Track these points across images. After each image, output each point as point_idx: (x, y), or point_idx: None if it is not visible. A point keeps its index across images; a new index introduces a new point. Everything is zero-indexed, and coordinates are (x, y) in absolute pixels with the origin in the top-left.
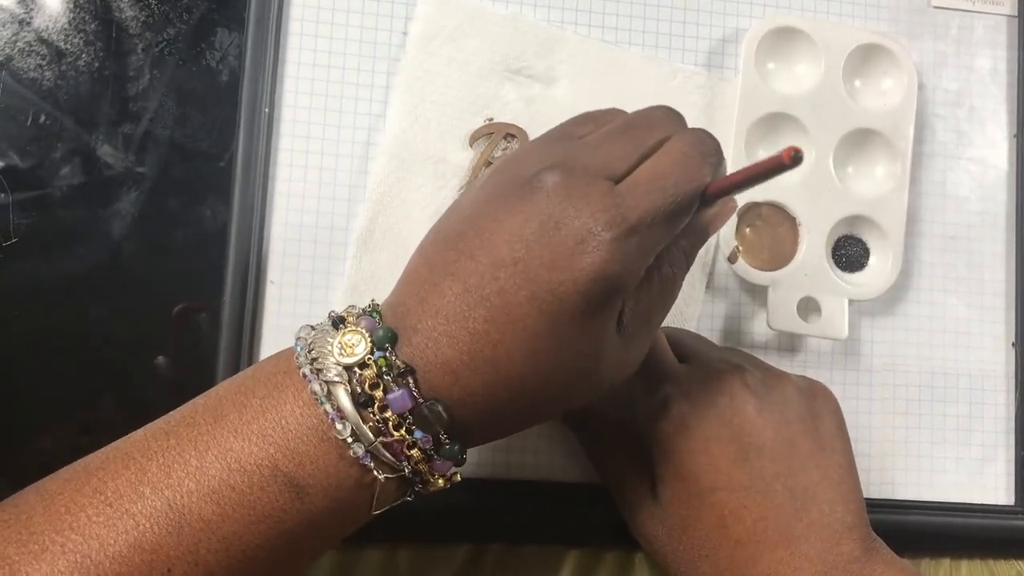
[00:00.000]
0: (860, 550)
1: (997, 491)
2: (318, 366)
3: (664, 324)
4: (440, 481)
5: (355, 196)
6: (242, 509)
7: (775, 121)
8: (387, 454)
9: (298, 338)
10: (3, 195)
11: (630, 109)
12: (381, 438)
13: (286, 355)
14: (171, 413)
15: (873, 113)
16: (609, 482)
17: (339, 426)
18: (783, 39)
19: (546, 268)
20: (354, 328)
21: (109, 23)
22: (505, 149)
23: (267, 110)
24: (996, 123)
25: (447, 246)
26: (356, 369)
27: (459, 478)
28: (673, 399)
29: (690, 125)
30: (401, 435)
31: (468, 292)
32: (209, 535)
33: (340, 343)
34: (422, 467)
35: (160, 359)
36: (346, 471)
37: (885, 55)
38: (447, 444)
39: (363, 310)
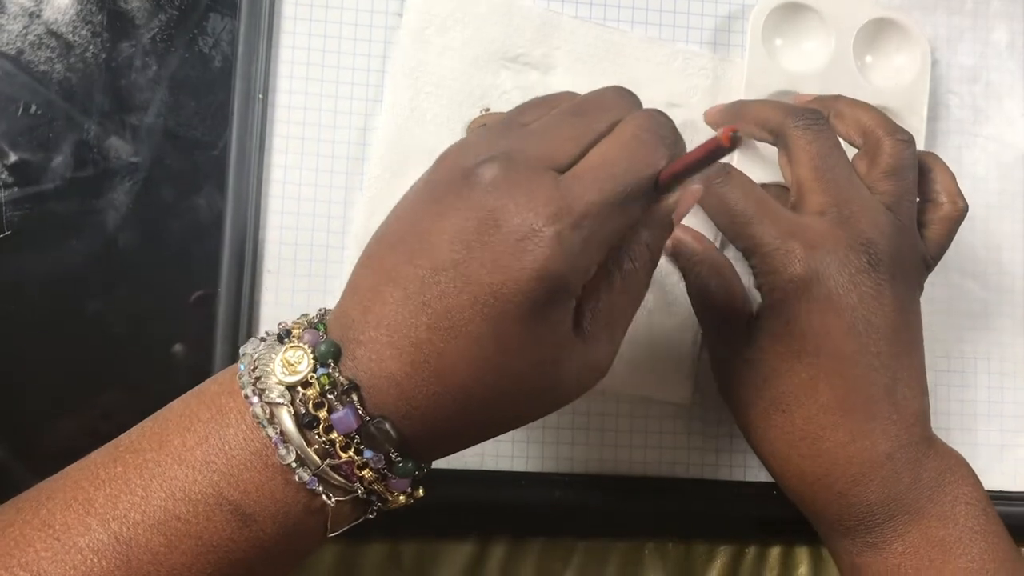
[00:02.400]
0: (927, 435)
1: (1017, 477)
2: (261, 386)
3: None
4: (401, 498)
5: (352, 183)
6: (189, 540)
7: (784, 99)
8: (337, 477)
9: (243, 354)
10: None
11: None
12: (329, 460)
13: (231, 374)
14: (122, 436)
15: (885, 90)
16: (701, 306)
17: (283, 451)
18: (791, 15)
19: (487, 269)
20: (296, 344)
21: (109, 12)
22: None
23: (261, 96)
24: (1014, 99)
25: (389, 250)
26: (299, 388)
27: (421, 492)
28: (798, 256)
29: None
30: (350, 456)
31: (409, 299)
32: (158, 568)
33: (282, 360)
34: (377, 487)
35: (177, 346)
36: (294, 496)
37: (897, 30)
38: (400, 462)
39: (309, 321)
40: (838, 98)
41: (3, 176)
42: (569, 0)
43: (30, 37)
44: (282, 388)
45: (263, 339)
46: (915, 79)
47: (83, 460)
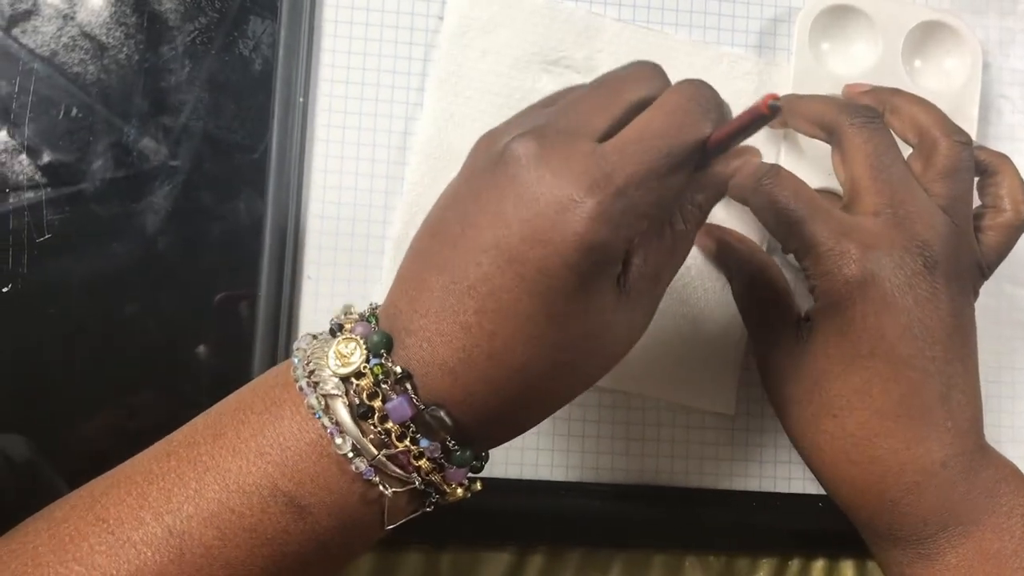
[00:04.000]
0: (980, 444)
1: None
2: (315, 378)
3: None
4: (459, 491)
5: (392, 188)
6: (244, 533)
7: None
8: (393, 467)
9: (296, 348)
10: (37, 192)
11: None
12: (385, 450)
13: (285, 368)
14: (177, 431)
15: (935, 94)
16: (748, 309)
17: (338, 440)
18: (839, 17)
19: (528, 245)
20: (349, 336)
21: (143, 14)
22: None
23: (301, 100)
24: None
25: (431, 237)
26: (353, 379)
27: (479, 486)
28: (853, 257)
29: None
30: (406, 446)
31: (454, 283)
32: (211, 561)
33: (335, 352)
34: (434, 477)
35: (200, 348)
36: (349, 487)
37: (948, 33)
38: (457, 451)
39: (361, 314)
40: (896, 92)
41: (38, 177)
42: (612, 2)
43: (64, 39)
44: (336, 380)
45: (315, 336)
46: (965, 83)
47: (137, 456)
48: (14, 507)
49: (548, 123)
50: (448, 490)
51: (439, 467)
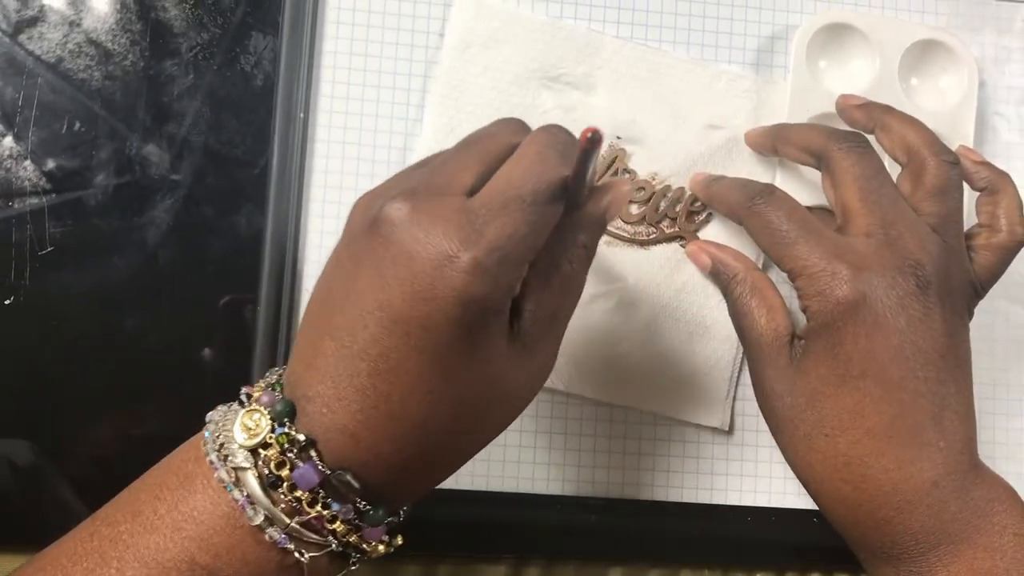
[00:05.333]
0: (973, 463)
1: None
2: (225, 451)
3: None
4: (380, 548)
5: None
6: None
7: (827, 122)
8: (308, 533)
9: (208, 421)
10: (40, 199)
11: (671, 114)
12: (298, 517)
13: (198, 440)
14: (101, 509)
15: (931, 112)
16: (743, 327)
17: (250, 512)
18: (835, 36)
19: (410, 304)
20: (254, 407)
21: (148, 21)
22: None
23: (302, 115)
24: None
25: (320, 303)
26: (260, 450)
27: (400, 540)
28: (844, 278)
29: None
30: (318, 511)
31: (345, 348)
32: None
33: (241, 425)
34: (351, 539)
35: (203, 355)
36: (266, 556)
37: (944, 51)
38: (370, 511)
39: (268, 383)
40: (887, 110)
41: (43, 183)
42: (612, 20)
43: (70, 45)
44: (245, 452)
45: (228, 407)
46: (961, 101)
47: (64, 537)
48: (19, 511)
49: (418, 183)
50: (368, 548)
51: (355, 528)
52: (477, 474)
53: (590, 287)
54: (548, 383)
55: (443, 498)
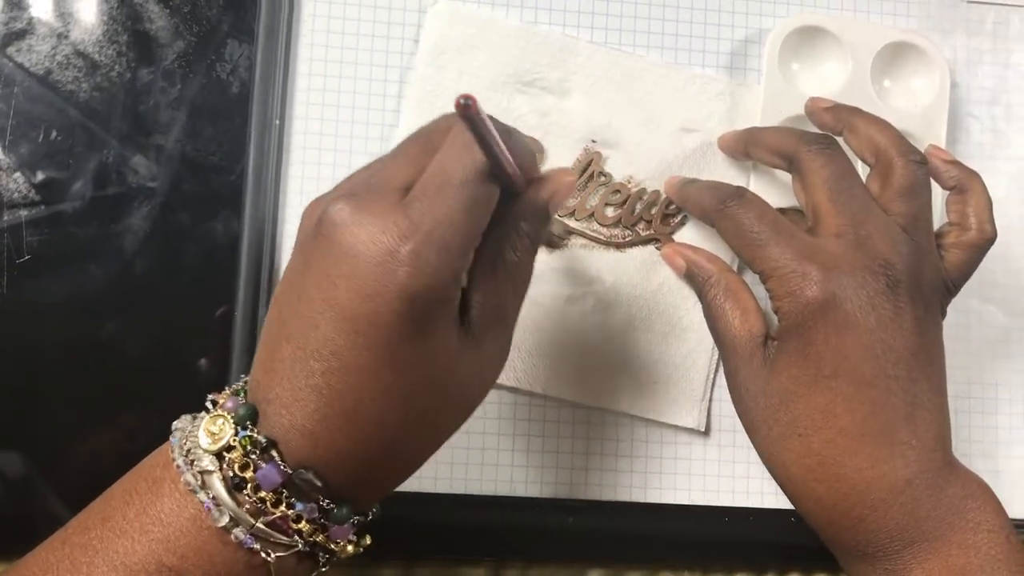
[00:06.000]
0: (947, 460)
1: None
2: (191, 456)
3: None
4: (348, 547)
5: None
6: None
7: (800, 124)
8: (274, 533)
9: (175, 428)
10: (18, 208)
11: (645, 117)
12: (263, 517)
13: (166, 448)
14: (74, 518)
15: (904, 114)
16: (717, 328)
17: (216, 514)
18: (808, 39)
19: (357, 301)
20: (218, 412)
21: (132, 32)
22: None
23: (278, 122)
24: None
25: (276, 308)
26: (225, 453)
27: (368, 540)
28: (814, 279)
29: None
30: (282, 511)
31: (300, 349)
32: None
33: (205, 430)
34: (318, 538)
35: (184, 358)
36: (233, 556)
37: (915, 53)
38: (333, 509)
39: (234, 389)
40: (854, 112)
41: (31, 195)
42: (586, 25)
43: (58, 57)
44: (210, 456)
45: (194, 417)
46: (933, 102)
47: (38, 547)
48: (9, 523)
49: (359, 184)
50: (336, 548)
51: (321, 527)
52: (455, 477)
53: (566, 289)
54: (526, 386)
55: (421, 501)
